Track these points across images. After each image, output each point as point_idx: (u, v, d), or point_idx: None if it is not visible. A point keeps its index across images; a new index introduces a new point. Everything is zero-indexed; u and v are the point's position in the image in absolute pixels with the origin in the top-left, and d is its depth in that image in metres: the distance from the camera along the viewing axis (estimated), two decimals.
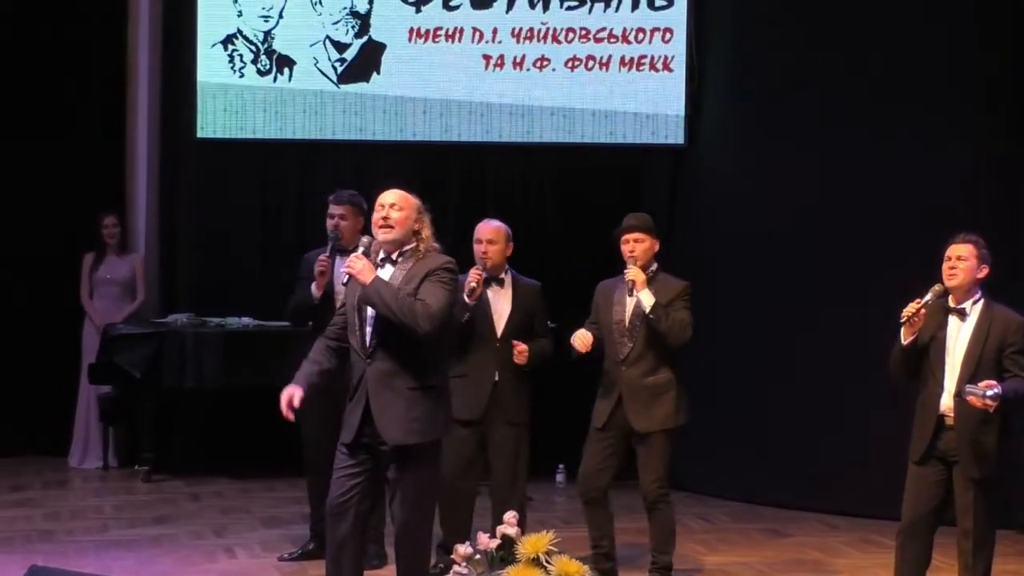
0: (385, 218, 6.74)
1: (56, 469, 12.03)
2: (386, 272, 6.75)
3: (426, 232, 6.78)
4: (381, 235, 6.77)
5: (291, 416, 6.69)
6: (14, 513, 10.27)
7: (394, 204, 6.76)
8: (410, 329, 6.55)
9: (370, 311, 6.68)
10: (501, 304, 8.35)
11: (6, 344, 12.39)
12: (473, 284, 8.10)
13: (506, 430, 8.29)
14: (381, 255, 6.80)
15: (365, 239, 6.89)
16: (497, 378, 8.26)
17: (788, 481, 10.84)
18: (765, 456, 10.96)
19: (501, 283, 8.38)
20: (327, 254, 8.63)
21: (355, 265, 6.63)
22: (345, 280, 6.72)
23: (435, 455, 6.79)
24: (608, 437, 8.12)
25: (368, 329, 6.72)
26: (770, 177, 11.11)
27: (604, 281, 8.33)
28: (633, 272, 8.01)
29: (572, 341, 8.07)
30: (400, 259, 6.79)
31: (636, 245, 8.07)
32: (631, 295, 8.03)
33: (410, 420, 6.64)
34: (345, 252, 8.22)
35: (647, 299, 7.99)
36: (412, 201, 6.83)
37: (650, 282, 8.06)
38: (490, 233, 8.35)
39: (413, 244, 6.78)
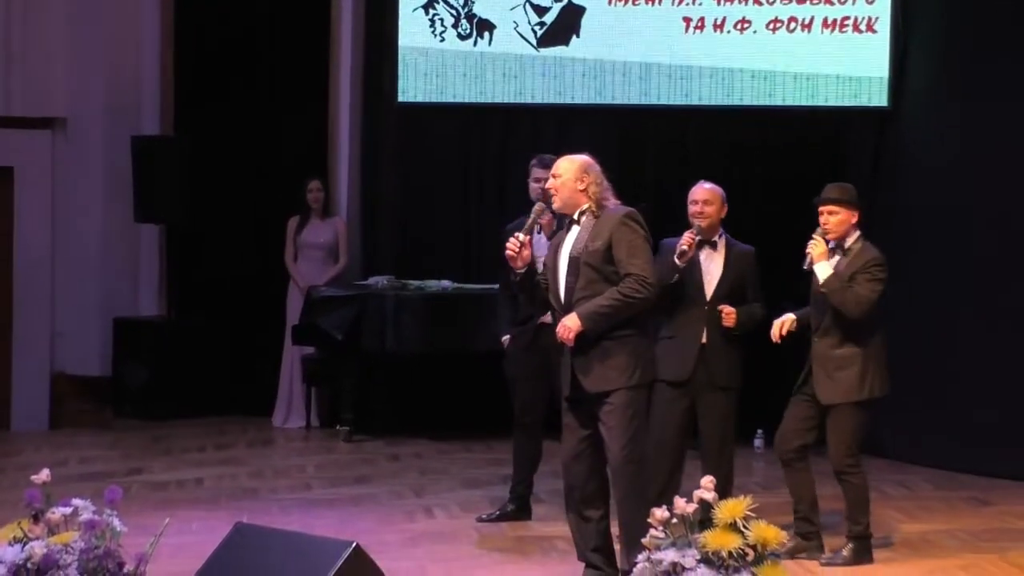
0: (547, 190, 7.30)
1: (261, 428, 12.26)
2: (572, 234, 7.16)
3: (593, 188, 7.11)
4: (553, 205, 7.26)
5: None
6: (220, 471, 10.49)
7: (554, 174, 7.19)
8: (637, 309, 7.00)
9: (563, 269, 7.09)
10: (713, 267, 8.30)
11: (215, 307, 12.68)
12: (684, 247, 8.06)
13: (714, 394, 8.27)
14: (566, 220, 7.19)
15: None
16: (705, 340, 8.23)
17: (993, 449, 10.62)
18: (969, 423, 10.75)
19: (714, 246, 8.31)
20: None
21: (562, 332, 7.02)
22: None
23: (638, 402, 7.08)
24: (802, 402, 8.10)
25: (563, 285, 7.08)
26: (978, 142, 10.86)
27: None
28: (811, 245, 7.97)
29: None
30: (582, 219, 7.12)
31: (829, 217, 8.00)
32: (808, 268, 7.99)
33: (607, 368, 7.01)
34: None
35: (822, 272, 7.93)
36: (571, 164, 7.19)
37: (847, 253, 7.99)
38: (705, 194, 8.30)
39: (586, 204, 7.09)
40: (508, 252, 7.11)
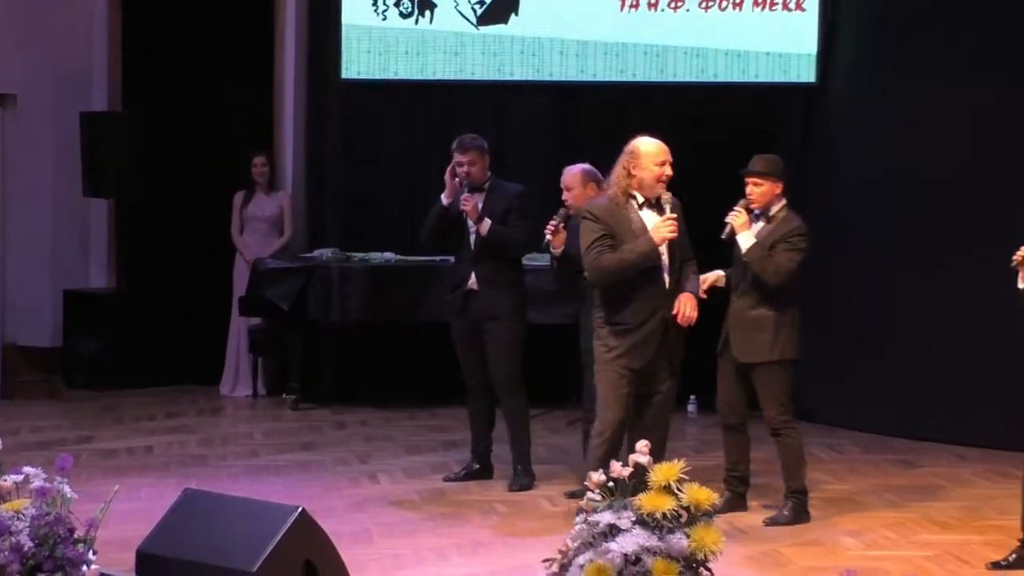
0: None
1: (209, 397, 12.37)
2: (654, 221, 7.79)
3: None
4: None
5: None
6: (170, 439, 10.60)
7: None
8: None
9: (665, 256, 7.69)
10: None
11: (164, 279, 12.78)
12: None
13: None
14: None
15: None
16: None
17: (920, 413, 10.79)
18: (897, 388, 10.93)
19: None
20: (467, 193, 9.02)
21: (693, 315, 7.67)
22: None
23: None
24: (727, 363, 8.39)
25: (668, 272, 7.71)
26: (905, 118, 10.99)
27: None
28: (732, 216, 8.25)
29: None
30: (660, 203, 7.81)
31: (754, 188, 8.28)
32: (727, 237, 8.28)
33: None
34: (479, 190, 9.00)
35: (744, 242, 8.20)
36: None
37: (771, 220, 8.25)
38: (566, 180, 8.91)
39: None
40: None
